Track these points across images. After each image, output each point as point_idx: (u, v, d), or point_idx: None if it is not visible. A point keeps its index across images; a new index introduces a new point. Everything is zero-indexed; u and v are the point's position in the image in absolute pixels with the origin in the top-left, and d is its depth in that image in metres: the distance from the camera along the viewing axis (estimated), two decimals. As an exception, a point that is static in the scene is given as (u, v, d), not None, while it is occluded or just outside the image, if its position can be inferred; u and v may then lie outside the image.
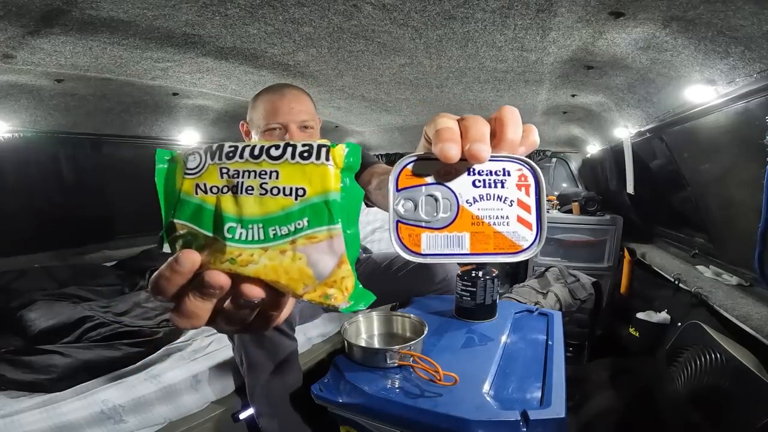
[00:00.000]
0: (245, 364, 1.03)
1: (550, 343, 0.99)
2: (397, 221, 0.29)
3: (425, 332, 0.92)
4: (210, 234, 0.28)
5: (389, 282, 1.32)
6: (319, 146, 0.28)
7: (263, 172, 0.28)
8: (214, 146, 0.29)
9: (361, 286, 0.30)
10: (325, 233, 0.27)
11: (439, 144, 0.27)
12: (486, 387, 0.78)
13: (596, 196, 2.48)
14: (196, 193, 0.28)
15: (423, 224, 0.28)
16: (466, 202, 0.28)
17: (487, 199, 0.28)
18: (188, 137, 2.06)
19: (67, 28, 0.99)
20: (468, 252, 0.28)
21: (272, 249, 0.27)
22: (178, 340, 1.27)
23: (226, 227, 0.27)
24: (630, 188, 1.90)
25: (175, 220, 0.29)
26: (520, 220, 0.28)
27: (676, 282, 1.55)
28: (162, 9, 0.93)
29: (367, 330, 1.06)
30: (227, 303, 0.29)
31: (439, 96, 1.86)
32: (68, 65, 1.24)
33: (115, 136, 1.83)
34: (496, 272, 1.11)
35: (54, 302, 1.31)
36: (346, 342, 0.92)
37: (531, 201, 0.28)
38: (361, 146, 0.28)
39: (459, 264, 1.24)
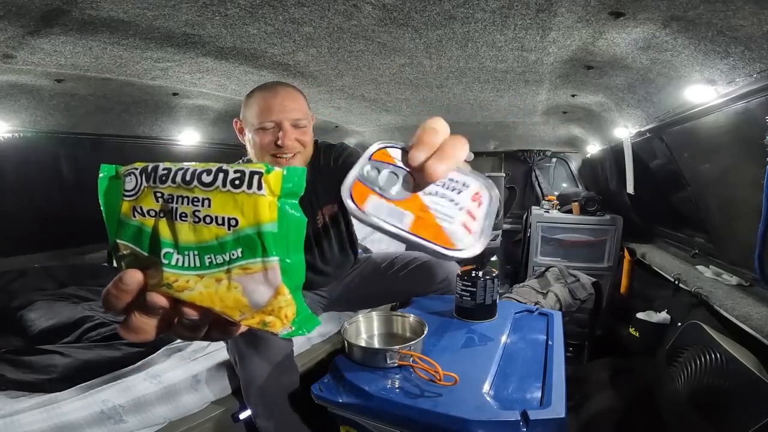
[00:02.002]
0: (239, 364, 1.02)
1: (550, 343, 0.99)
2: (357, 178, 0.30)
3: (425, 332, 0.92)
4: (149, 256, 0.27)
5: (389, 282, 1.32)
6: (251, 173, 0.27)
7: (195, 199, 0.27)
8: (150, 167, 0.29)
9: (308, 311, 0.30)
10: (260, 265, 0.27)
11: (414, 151, 0.29)
12: (486, 387, 0.78)
13: (596, 196, 2.48)
14: (134, 216, 0.28)
15: (377, 189, 0.30)
16: (423, 192, 0.30)
17: (441, 197, 0.30)
18: (188, 137, 2.06)
19: (67, 28, 0.99)
20: (406, 230, 0.29)
21: (208, 277, 0.27)
22: (178, 340, 1.27)
23: (162, 252, 0.27)
24: (630, 188, 1.90)
25: (119, 241, 0.28)
26: (463, 224, 0.29)
27: (676, 282, 1.55)
28: (162, 9, 0.93)
29: (367, 330, 1.06)
30: (176, 320, 0.29)
31: (439, 96, 1.86)
32: (68, 65, 1.24)
33: (115, 136, 1.83)
34: (496, 272, 1.11)
35: (54, 302, 1.31)
36: (346, 342, 0.92)
37: (480, 213, 0.30)
38: (304, 170, 0.28)
39: (459, 264, 1.24)
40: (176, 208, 0.27)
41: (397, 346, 0.86)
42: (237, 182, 0.27)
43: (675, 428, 1.15)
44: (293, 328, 0.29)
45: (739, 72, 0.95)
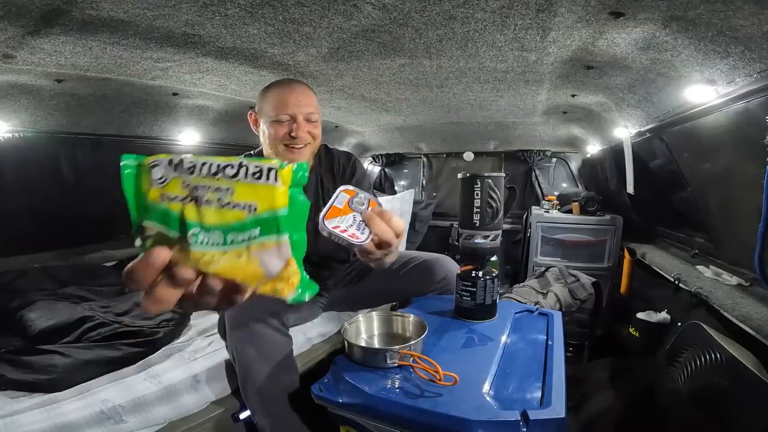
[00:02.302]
0: (237, 362, 1.02)
1: (550, 343, 0.99)
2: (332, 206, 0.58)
3: (425, 332, 0.92)
4: (177, 236, 0.32)
5: (389, 281, 1.32)
6: (269, 168, 0.33)
7: (220, 188, 0.32)
8: (176, 159, 0.33)
9: (307, 277, 0.37)
10: (274, 242, 0.33)
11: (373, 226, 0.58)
12: (486, 387, 0.78)
13: (596, 196, 2.48)
14: (163, 201, 0.32)
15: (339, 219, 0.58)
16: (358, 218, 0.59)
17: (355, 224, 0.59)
18: (188, 137, 2.05)
19: (67, 28, 0.99)
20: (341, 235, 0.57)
21: (230, 252, 0.32)
22: (178, 340, 1.27)
23: (190, 233, 0.32)
24: (630, 188, 1.90)
25: (145, 223, 0.33)
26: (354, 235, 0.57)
27: (676, 282, 1.55)
28: (162, 9, 0.93)
29: (367, 330, 1.06)
30: (194, 290, 0.34)
31: (439, 96, 1.86)
32: (68, 65, 1.24)
33: (115, 136, 1.83)
34: (496, 272, 1.11)
35: (54, 302, 1.31)
36: (346, 342, 0.91)
37: (364, 234, 0.58)
38: (308, 164, 0.40)
39: (459, 264, 1.24)
40: (202, 195, 0.32)
41: (397, 346, 0.86)
42: (257, 175, 0.33)
43: (675, 428, 1.15)
44: (299, 292, 0.36)
45: (739, 72, 0.95)
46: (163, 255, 0.32)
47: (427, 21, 1.02)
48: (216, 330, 1.31)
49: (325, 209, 0.57)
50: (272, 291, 0.35)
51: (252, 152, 1.23)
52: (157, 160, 0.33)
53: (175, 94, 1.66)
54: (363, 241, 0.57)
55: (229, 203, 0.32)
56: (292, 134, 1.06)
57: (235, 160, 0.33)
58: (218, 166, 0.33)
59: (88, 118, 1.66)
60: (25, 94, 1.40)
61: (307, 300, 0.37)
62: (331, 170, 1.23)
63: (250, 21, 1.01)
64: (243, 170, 0.33)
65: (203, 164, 0.33)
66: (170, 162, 0.33)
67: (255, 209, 0.32)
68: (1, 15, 0.90)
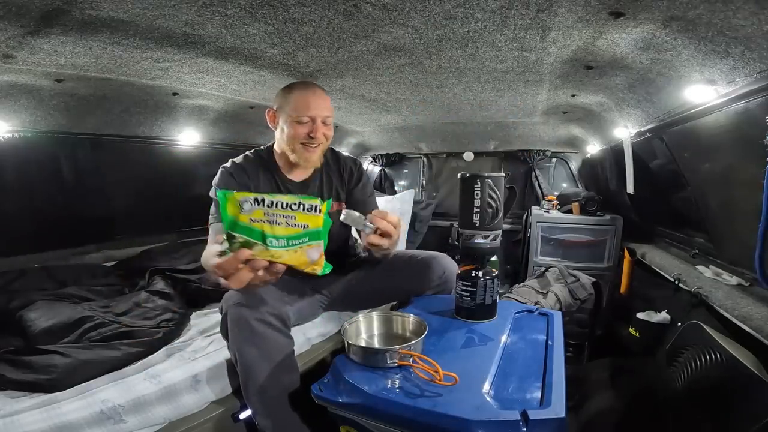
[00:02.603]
0: (239, 363, 1.03)
1: (550, 343, 0.99)
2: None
3: (425, 332, 0.92)
4: (260, 243, 0.60)
5: (388, 279, 1.34)
6: (316, 206, 0.63)
7: (287, 215, 0.60)
8: (259, 198, 0.60)
9: (326, 262, 0.68)
10: (316, 244, 0.64)
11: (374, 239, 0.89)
12: (486, 387, 0.78)
13: (596, 196, 2.48)
14: (250, 223, 0.60)
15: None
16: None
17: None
18: (188, 137, 2.06)
19: (67, 28, 0.99)
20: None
21: (290, 250, 0.62)
22: (178, 340, 1.27)
23: (268, 240, 0.61)
24: (630, 188, 1.90)
25: (235, 234, 0.60)
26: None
27: (676, 282, 1.55)
28: (162, 9, 0.93)
29: (367, 330, 1.06)
30: (262, 272, 0.65)
31: (439, 96, 1.87)
32: (68, 65, 1.24)
33: (115, 136, 1.83)
34: (496, 272, 1.11)
35: (54, 302, 1.31)
36: (346, 342, 0.91)
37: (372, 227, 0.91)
38: (330, 200, 0.72)
39: (459, 264, 1.25)
40: (276, 219, 0.60)
41: (397, 346, 0.86)
42: (309, 208, 0.62)
43: (675, 428, 1.15)
44: (324, 269, 0.67)
45: (739, 72, 0.95)
46: (246, 254, 0.62)
47: (427, 21, 1.02)
48: (216, 330, 1.31)
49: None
50: (311, 270, 0.67)
51: (261, 149, 1.29)
52: (245, 198, 0.61)
53: (175, 94, 1.66)
54: (372, 229, 0.88)
55: (292, 224, 0.61)
56: (311, 134, 1.15)
57: (295, 199, 0.63)
58: (287, 203, 0.62)
59: (88, 118, 1.66)
60: (25, 94, 1.40)
61: (327, 271, 0.69)
62: (339, 172, 1.33)
63: (250, 21, 1.01)
64: (302, 205, 0.63)
65: (278, 202, 0.61)
66: (255, 200, 0.61)
67: (307, 227, 0.64)
68: (1, 15, 0.90)
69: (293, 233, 0.61)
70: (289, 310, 1.14)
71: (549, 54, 1.22)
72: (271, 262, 0.62)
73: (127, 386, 0.98)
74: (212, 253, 0.91)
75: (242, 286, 0.64)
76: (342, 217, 0.85)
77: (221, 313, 1.06)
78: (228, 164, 1.22)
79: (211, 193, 1.17)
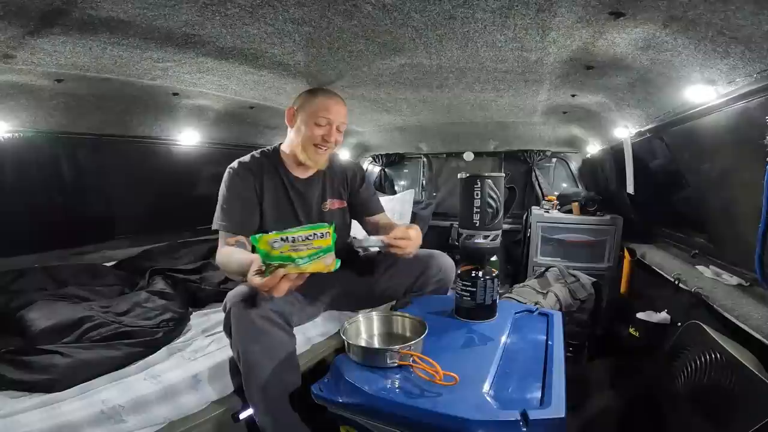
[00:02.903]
0: (242, 361, 1.03)
1: (550, 343, 0.99)
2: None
3: (425, 332, 0.92)
4: (291, 263, 0.83)
5: (386, 279, 1.37)
6: (327, 232, 0.85)
7: (307, 242, 0.84)
8: (287, 238, 0.83)
9: (336, 260, 0.89)
10: (329, 255, 0.87)
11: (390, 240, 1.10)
12: (486, 387, 0.78)
13: (596, 196, 2.48)
14: (281, 254, 0.83)
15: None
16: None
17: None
18: (188, 137, 2.05)
19: (67, 28, 0.99)
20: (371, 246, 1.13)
21: (312, 262, 0.85)
22: (178, 340, 1.27)
23: (295, 260, 0.83)
24: (630, 188, 1.90)
25: (270, 261, 0.84)
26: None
27: (676, 282, 1.55)
28: (162, 9, 0.93)
29: (367, 330, 1.06)
30: (295, 278, 0.87)
31: (439, 96, 1.86)
32: (68, 65, 1.24)
33: (115, 136, 1.83)
34: (496, 272, 1.11)
35: (54, 302, 1.31)
36: (346, 342, 0.92)
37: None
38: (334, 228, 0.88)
39: (459, 264, 1.25)
40: (298, 246, 0.83)
41: (397, 346, 0.86)
42: (322, 236, 0.85)
43: (675, 428, 1.15)
44: (336, 266, 0.88)
45: (739, 72, 0.95)
46: (282, 272, 0.84)
47: (427, 21, 1.02)
48: (216, 330, 1.32)
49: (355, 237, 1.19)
50: (328, 270, 0.87)
51: (267, 149, 1.33)
52: (275, 239, 0.82)
53: (175, 94, 1.66)
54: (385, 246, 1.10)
55: (311, 247, 0.84)
56: (325, 137, 1.22)
57: (310, 231, 0.83)
58: (305, 236, 0.83)
59: (88, 118, 1.66)
60: (25, 94, 1.39)
61: (338, 267, 0.89)
62: (344, 176, 1.41)
63: (250, 21, 1.01)
64: (316, 235, 0.84)
65: (298, 237, 0.83)
66: (281, 239, 0.82)
67: (321, 247, 0.85)
68: (1, 15, 0.90)
69: (313, 252, 0.84)
70: (292, 309, 1.14)
71: (549, 54, 1.22)
72: (299, 273, 0.86)
73: (128, 386, 0.98)
74: (237, 261, 1.04)
75: (280, 294, 0.86)
76: (356, 246, 1.13)
77: (224, 311, 1.07)
78: (235, 165, 1.25)
79: (220, 194, 1.22)
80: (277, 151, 1.31)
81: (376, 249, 1.12)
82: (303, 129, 1.22)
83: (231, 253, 1.10)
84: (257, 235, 0.83)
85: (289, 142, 1.28)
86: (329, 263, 0.86)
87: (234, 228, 1.18)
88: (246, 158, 1.28)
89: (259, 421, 1.06)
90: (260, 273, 0.86)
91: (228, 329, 1.06)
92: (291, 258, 0.82)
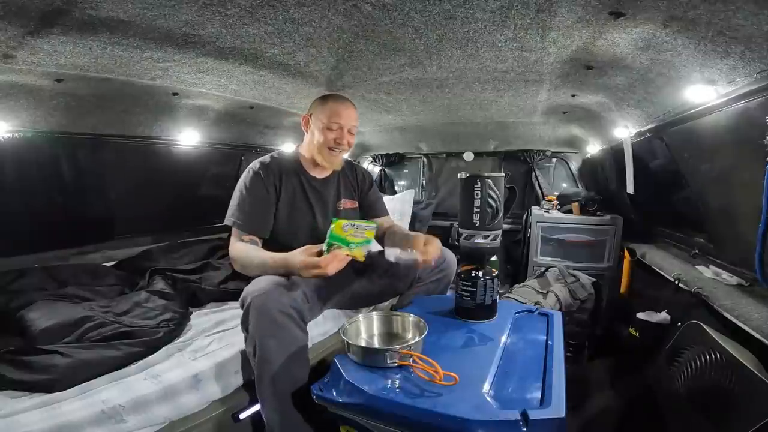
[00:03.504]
0: (258, 356, 1.04)
1: (550, 343, 0.99)
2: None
3: (425, 332, 0.92)
4: (345, 246, 1.04)
5: (386, 276, 1.39)
6: (372, 227, 1.10)
7: (358, 232, 1.07)
8: (351, 223, 1.07)
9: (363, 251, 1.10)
10: (365, 247, 1.08)
11: (422, 256, 1.19)
12: (486, 387, 0.78)
13: (596, 196, 2.48)
14: (348, 237, 1.05)
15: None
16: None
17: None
18: (188, 137, 2.05)
19: (67, 28, 0.99)
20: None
21: (358, 248, 1.06)
22: (178, 340, 1.27)
23: (350, 244, 1.05)
24: (630, 188, 1.90)
25: (333, 242, 1.04)
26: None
27: (676, 282, 1.55)
28: (162, 9, 0.93)
29: (367, 330, 1.06)
30: (343, 260, 1.03)
31: (439, 96, 1.87)
32: (68, 65, 1.24)
33: (115, 136, 1.82)
34: (496, 272, 1.11)
35: (54, 302, 1.31)
36: (346, 342, 0.92)
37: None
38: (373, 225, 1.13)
39: (459, 264, 1.25)
40: (357, 234, 1.06)
41: (397, 346, 0.86)
42: (371, 228, 1.09)
43: (675, 428, 1.15)
44: (365, 253, 1.09)
45: (739, 72, 0.95)
46: (342, 251, 1.03)
47: (427, 21, 1.02)
48: (216, 329, 1.32)
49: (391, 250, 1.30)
50: (362, 259, 1.06)
51: (275, 154, 1.42)
52: (346, 224, 1.05)
53: (175, 94, 1.66)
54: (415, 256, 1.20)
55: (363, 236, 1.07)
56: (337, 140, 1.31)
57: (365, 223, 1.09)
58: (365, 226, 1.08)
59: (88, 118, 1.66)
60: (25, 94, 1.39)
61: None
62: (355, 178, 1.52)
63: (250, 21, 1.01)
64: (369, 227, 1.09)
65: (361, 225, 1.07)
66: (351, 224, 1.05)
67: (367, 238, 1.08)
68: (1, 15, 0.90)
69: (362, 240, 1.06)
70: (305, 307, 1.16)
71: (549, 54, 1.22)
72: (347, 255, 1.03)
73: (128, 386, 0.98)
74: (265, 258, 1.16)
75: (336, 270, 1.01)
76: (393, 259, 1.25)
77: (242, 307, 1.07)
78: (256, 166, 1.33)
79: (238, 192, 1.30)
80: (296, 153, 1.42)
81: (411, 260, 1.24)
82: (317, 134, 1.32)
83: (248, 250, 1.21)
84: (334, 220, 1.05)
85: (306, 145, 1.39)
86: (364, 253, 1.06)
87: (250, 228, 1.26)
88: (266, 158, 1.37)
89: (266, 415, 1.06)
90: (316, 255, 1.04)
91: (245, 323, 1.06)
92: (347, 242, 1.04)
